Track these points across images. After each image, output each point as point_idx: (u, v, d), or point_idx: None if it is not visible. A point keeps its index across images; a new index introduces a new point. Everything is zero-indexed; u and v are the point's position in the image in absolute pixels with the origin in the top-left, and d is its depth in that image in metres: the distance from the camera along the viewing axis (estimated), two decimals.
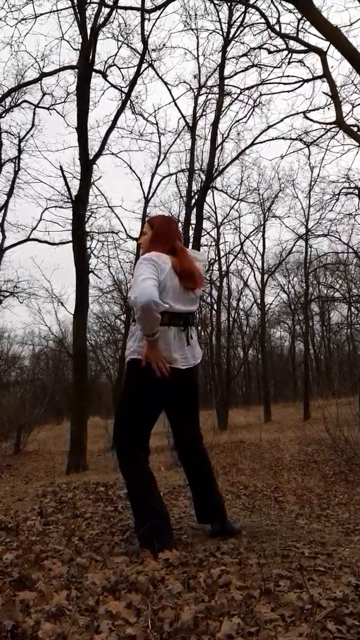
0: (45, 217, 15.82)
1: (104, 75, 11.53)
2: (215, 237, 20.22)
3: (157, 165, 16.17)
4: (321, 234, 19.02)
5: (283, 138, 13.17)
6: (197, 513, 2.61)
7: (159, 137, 15.32)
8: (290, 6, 7.94)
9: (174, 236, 2.50)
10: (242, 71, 12.10)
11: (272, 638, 1.32)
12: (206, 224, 18.40)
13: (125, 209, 51.76)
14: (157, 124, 15.82)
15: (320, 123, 11.15)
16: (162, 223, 2.54)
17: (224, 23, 11.69)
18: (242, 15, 11.11)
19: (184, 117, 13.74)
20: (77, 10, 10.06)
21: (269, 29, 9.34)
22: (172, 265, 2.35)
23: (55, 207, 14.86)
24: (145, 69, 11.94)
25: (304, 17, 7.66)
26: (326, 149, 11.81)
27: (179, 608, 1.49)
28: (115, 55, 12.26)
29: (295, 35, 9.03)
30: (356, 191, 14.25)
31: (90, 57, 10.12)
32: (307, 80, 10.36)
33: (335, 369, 27.59)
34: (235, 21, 11.54)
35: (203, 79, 13.38)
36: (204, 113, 13.82)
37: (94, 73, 10.61)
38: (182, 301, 2.37)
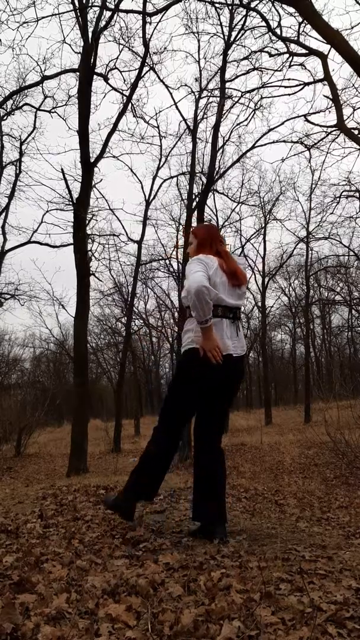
0: (46, 219, 15.80)
1: (106, 79, 11.55)
2: None
3: (158, 168, 16.20)
4: (322, 237, 19.03)
5: (284, 141, 13.12)
6: (193, 510, 2.70)
7: (160, 140, 15.34)
8: (291, 9, 7.94)
9: (217, 240, 2.73)
10: (243, 74, 12.07)
11: None
12: None
13: (127, 212, 51.71)
14: (158, 127, 15.85)
15: (321, 126, 11.16)
16: (205, 231, 2.81)
17: (225, 26, 11.69)
18: (243, 18, 11.11)
19: (185, 120, 13.75)
20: (78, 14, 10.09)
21: (270, 33, 9.31)
22: (219, 264, 2.58)
23: (57, 209, 14.81)
24: (147, 72, 11.96)
25: (305, 21, 7.66)
26: (327, 152, 11.80)
27: (179, 611, 1.49)
28: (117, 58, 12.37)
29: (296, 38, 9.02)
30: (357, 194, 14.23)
31: (92, 60, 10.14)
32: (308, 84, 10.31)
33: (336, 372, 27.54)
34: (236, 24, 11.55)
35: (204, 82, 13.35)
36: (205, 116, 13.79)
37: (95, 76, 10.62)
38: (232, 296, 2.61)
